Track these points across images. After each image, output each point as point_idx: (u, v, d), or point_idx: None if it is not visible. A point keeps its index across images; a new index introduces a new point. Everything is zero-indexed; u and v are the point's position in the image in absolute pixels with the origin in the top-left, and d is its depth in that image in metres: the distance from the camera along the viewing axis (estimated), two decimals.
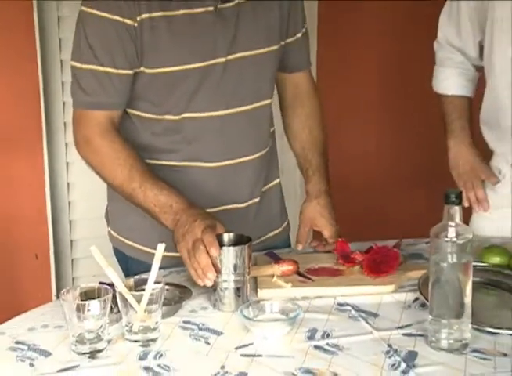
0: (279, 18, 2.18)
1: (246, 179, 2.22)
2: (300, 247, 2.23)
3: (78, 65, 2.03)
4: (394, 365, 1.64)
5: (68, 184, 3.55)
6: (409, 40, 3.14)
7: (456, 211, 1.67)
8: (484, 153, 2.50)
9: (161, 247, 1.77)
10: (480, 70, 2.60)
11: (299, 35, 2.28)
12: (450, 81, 2.64)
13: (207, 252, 1.81)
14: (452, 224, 1.66)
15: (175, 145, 2.14)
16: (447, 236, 1.66)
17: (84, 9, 1.99)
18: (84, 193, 3.53)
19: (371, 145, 3.68)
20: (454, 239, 1.66)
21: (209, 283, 1.84)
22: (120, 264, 2.24)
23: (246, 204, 2.22)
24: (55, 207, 3.53)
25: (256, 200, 2.26)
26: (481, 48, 2.55)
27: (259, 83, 2.20)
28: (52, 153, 3.48)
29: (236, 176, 2.19)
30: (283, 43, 2.22)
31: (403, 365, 1.64)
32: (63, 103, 3.48)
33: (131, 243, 2.22)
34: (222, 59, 2.07)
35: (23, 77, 3.34)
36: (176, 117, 2.11)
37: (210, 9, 2.03)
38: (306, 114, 2.36)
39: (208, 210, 2.05)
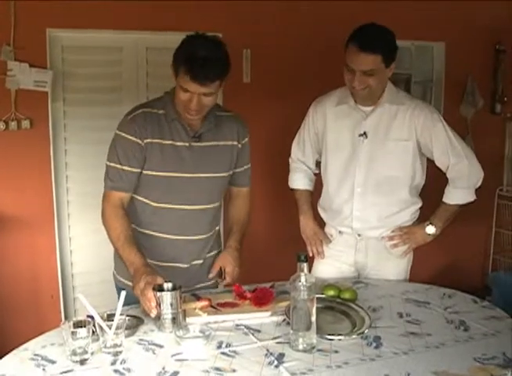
0: (230, 158, 2.24)
1: (194, 249, 2.23)
2: (211, 275, 2.23)
3: (108, 163, 2.12)
4: (270, 362, 1.67)
5: (71, 251, 3.49)
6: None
7: (304, 266, 1.75)
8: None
9: (123, 293, 1.78)
10: (316, 174, 2.67)
11: (243, 168, 2.32)
12: (299, 181, 2.67)
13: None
14: (303, 274, 1.74)
15: (151, 218, 2.17)
16: (300, 281, 1.73)
17: (117, 131, 2.11)
18: (80, 258, 3.48)
19: (262, 224, 3.72)
20: (304, 283, 1.73)
21: (153, 316, 1.86)
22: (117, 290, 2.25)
23: (188, 264, 2.22)
24: (62, 266, 3.46)
25: (199, 261, 2.26)
26: (317, 162, 2.64)
27: (212, 193, 2.23)
28: (61, 232, 3.42)
29: (187, 246, 2.21)
30: (231, 172, 2.28)
31: (276, 362, 1.67)
32: (67, 201, 3.45)
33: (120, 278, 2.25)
34: (189, 175, 2.14)
35: (42, 187, 3.33)
36: (156, 205, 2.15)
37: (187, 144, 2.13)
38: (239, 210, 2.39)
39: (165, 264, 2.14)
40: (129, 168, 2.09)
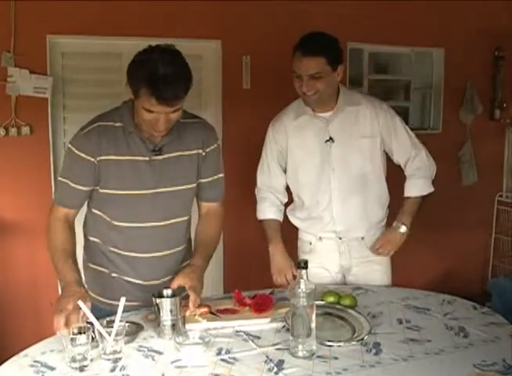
0: (196, 168, 2.10)
1: (165, 264, 2.12)
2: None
3: (59, 176, 2.08)
4: (270, 369, 1.67)
5: None
6: None
7: (304, 273, 1.73)
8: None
9: (123, 299, 1.77)
10: (285, 204, 2.64)
11: (210, 179, 2.15)
12: (265, 210, 2.59)
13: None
14: (302, 281, 1.73)
15: (117, 237, 2.09)
16: (300, 288, 1.72)
17: (69, 145, 2.02)
18: (79, 264, 3.46)
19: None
20: (304, 290, 1.72)
21: (58, 334, 1.74)
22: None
23: (160, 281, 2.10)
24: None
25: (170, 276, 2.07)
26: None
27: (178, 207, 2.12)
28: None
29: (157, 263, 2.11)
30: (198, 182, 2.14)
31: (276, 368, 1.67)
32: None
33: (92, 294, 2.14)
34: (149, 191, 2.02)
35: (42, 194, 3.22)
36: (118, 223, 2.06)
37: (146, 158, 2.00)
38: (206, 230, 2.19)
39: (135, 280, 2.09)
40: (77, 186, 2.01)
